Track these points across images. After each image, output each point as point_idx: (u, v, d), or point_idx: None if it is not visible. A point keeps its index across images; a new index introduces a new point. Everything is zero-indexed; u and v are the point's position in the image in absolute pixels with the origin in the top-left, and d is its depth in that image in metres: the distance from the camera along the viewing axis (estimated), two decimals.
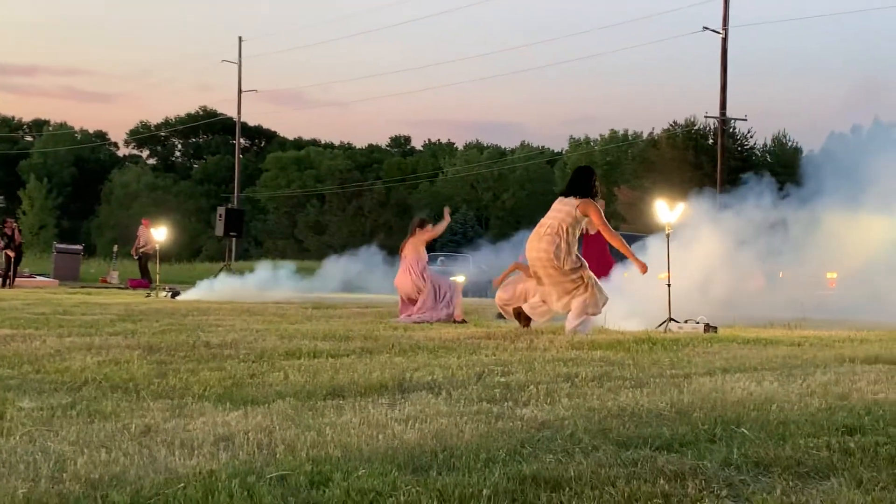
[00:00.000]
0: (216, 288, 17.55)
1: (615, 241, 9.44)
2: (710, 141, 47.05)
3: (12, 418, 4.17)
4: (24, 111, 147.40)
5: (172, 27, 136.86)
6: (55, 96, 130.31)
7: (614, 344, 7.45)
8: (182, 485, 3.02)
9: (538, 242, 9.14)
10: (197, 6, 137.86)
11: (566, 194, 9.35)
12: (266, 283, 18.72)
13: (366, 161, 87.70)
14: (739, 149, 49.97)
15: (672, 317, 9.33)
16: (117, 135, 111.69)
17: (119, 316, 10.80)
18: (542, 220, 9.33)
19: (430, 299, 11.52)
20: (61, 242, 30.84)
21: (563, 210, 9.19)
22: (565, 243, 9.06)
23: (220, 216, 24.00)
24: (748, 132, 51.30)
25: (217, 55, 62.53)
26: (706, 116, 38.97)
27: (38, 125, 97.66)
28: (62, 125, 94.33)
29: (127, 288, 22.34)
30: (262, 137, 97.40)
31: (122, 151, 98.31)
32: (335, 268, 22.23)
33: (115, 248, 25.64)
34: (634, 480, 3.10)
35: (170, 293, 16.56)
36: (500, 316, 10.68)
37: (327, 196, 65.09)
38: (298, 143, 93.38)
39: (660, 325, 9.32)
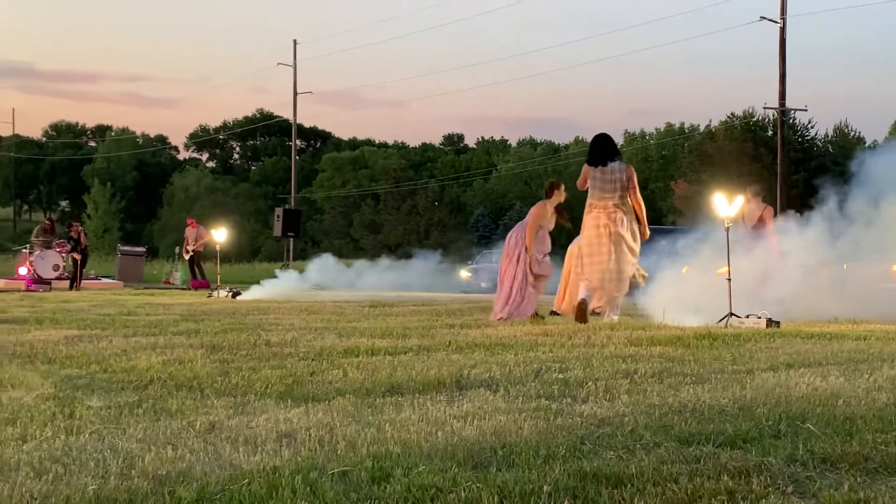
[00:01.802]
0: (279, 286, 17.78)
1: None
2: (770, 132, 46.30)
3: (81, 417, 4.27)
4: (88, 117, 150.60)
5: (230, 32, 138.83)
6: (117, 102, 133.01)
7: (673, 340, 7.37)
8: (246, 481, 3.07)
9: None
10: (253, 11, 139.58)
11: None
12: (324, 281, 18.95)
13: (420, 160, 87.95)
14: (800, 140, 49.06)
15: (733, 311, 9.21)
16: (177, 139, 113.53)
17: (182, 316, 10.97)
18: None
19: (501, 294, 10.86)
20: (125, 245, 31.40)
21: None
22: None
23: (278, 217, 24.26)
24: (808, 122, 50.40)
25: (273, 58, 63.33)
26: (765, 107, 38.39)
27: (101, 130, 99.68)
28: (124, 130, 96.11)
29: (189, 289, 22.67)
30: (317, 138, 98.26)
31: (183, 155, 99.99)
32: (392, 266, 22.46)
33: (177, 249, 26.00)
34: (697, 477, 3.08)
35: (230, 293, 16.78)
36: (555, 312, 10.67)
37: (382, 195, 65.33)
38: (353, 143, 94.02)
39: (720, 320, 9.20)
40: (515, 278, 10.48)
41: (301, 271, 21.69)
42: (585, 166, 10.07)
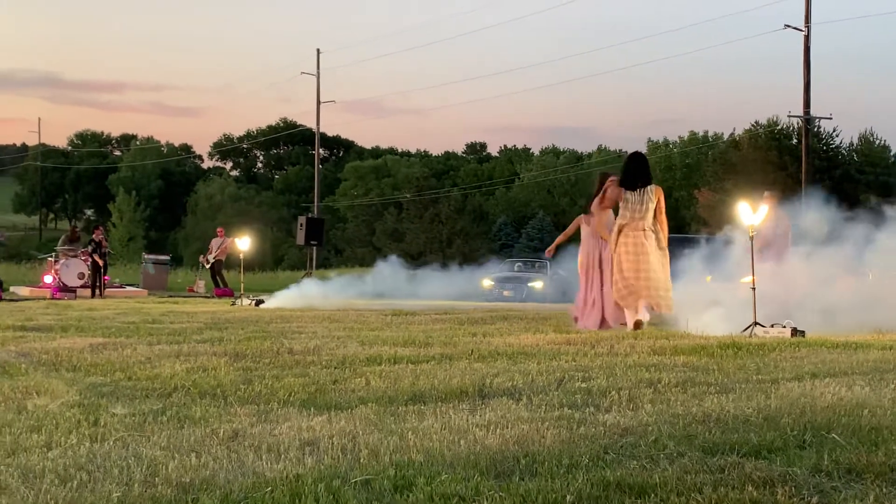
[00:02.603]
0: (304, 293, 17.83)
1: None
2: (794, 141, 46.03)
3: (106, 424, 4.30)
4: (113, 126, 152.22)
5: (254, 42, 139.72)
6: (142, 111, 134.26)
7: (697, 349, 7.33)
8: (270, 489, 3.08)
9: None
10: (277, 21, 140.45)
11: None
12: (347, 290, 18.97)
13: (442, 168, 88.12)
14: (825, 148, 48.77)
15: (757, 321, 9.15)
16: (202, 148, 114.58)
17: (206, 324, 11.02)
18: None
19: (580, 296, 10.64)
20: (149, 253, 31.61)
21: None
22: None
23: (301, 225, 24.34)
24: (833, 131, 50.11)
25: (296, 68, 63.59)
26: (789, 115, 38.10)
27: (126, 140, 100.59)
28: (149, 139, 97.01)
29: (212, 297, 22.79)
30: (340, 147, 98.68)
31: (207, 164, 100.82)
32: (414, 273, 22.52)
33: (201, 258, 26.16)
34: (722, 487, 3.06)
35: (254, 301, 16.84)
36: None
37: (404, 204, 65.47)
38: (376, 152, 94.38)
39: (745, 329, 9.14)
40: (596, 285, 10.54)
41: (324, 279, 21.73)
42: (619, 188, 10.00)
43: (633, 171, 10.02)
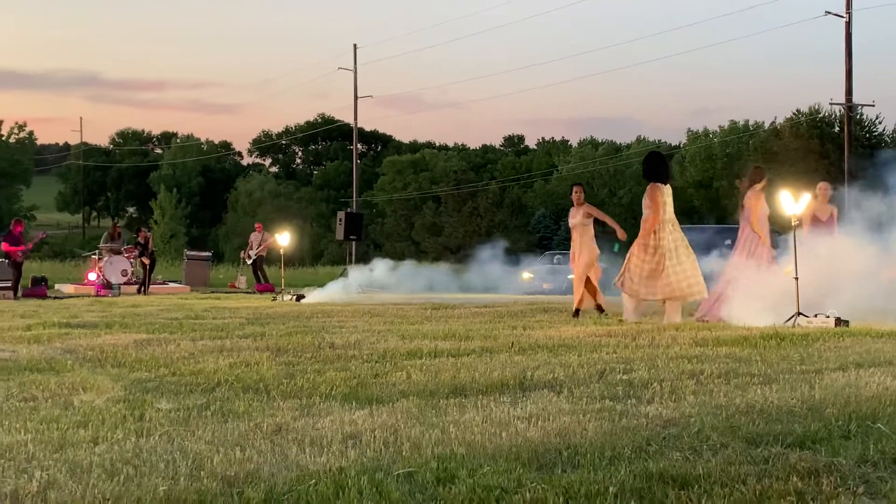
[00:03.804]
0: (348, 287, 17.95)
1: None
2: (836, 129, 45.38)
3: (151, 419, 4.36)
4: (154, 124, 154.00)
5: (291, 38, 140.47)
6: (182, 109, 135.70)
7: (740, 340, 7.27)
8: (313, 481, 3.10)
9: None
10: (314, 17, 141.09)
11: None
12: (386, 283, 19.03)
13: (480, 161, 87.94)
14: (867, 136, 48.02)
15: (801, 311, 9.04)
16: (241, 144, 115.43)
17: (248, 319, 11.12)
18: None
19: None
20: (191, 250, 31.89)
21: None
22: None
23: (340, 220, 24.41)
24: (876, 118, 49.32)
25: (333, 63, 63.47)
26: (831, 103, 37.52)
27: (167, 137, 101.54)
28: (189, 137, 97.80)
29: (254, 292, 22.96)
30: (378, 142, 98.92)
31: (246, 160, 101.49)
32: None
33: (242, 254, 26.38)
34: (766, 478, 3.03)
35: (294, 296, 16.95)
36: (600, 309, 10.85)
37: (443, 197, 65.45)
38: (413, 146, 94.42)
39: (788, 319, 9.04)
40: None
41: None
42: (658, 184, 10.17)
43: (664, 165, 10.42)
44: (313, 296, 17.33)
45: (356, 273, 19.88)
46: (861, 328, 8.38)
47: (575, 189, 11.61)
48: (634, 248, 10.23)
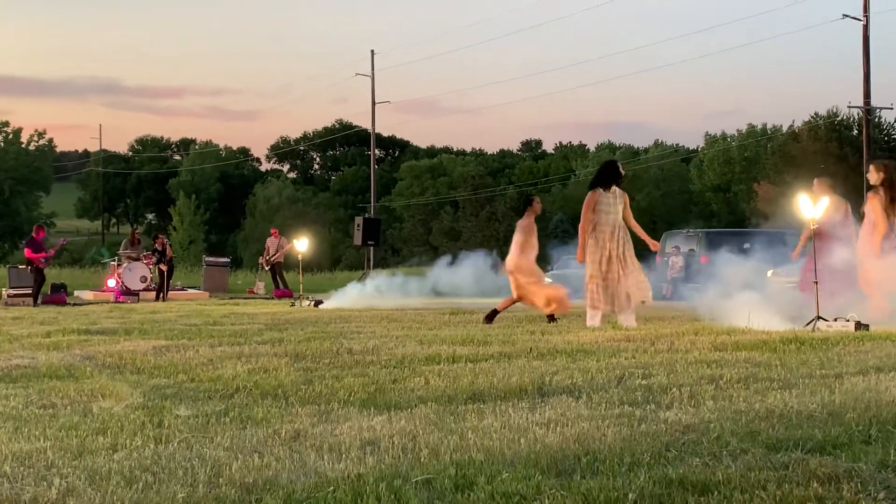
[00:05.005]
0: (366, 292, 17.96)
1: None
2: (855, 132, 45.14)
3: (170, 426, 4.37)
4: (172, 131, 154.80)
5: (309, 45, 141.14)
6: (201, 116, 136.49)
7: (759, 344, 7.23)
8: (332, 488, 3.10)
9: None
10: (331, 24, 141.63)
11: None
12: (405, 289, 19.03)
13: (498, 166, 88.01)
14: (886, 139, 47.76)
15: (820, 315, 8.98)
16: (259, 150, 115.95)
17: (266, 325, 11.15)
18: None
19: None
20: (210, 256, 32.03)
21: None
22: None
23: (358, 226, 24.46)
24: (895, 121, 49.03)
25: (351, 69, 63.85)
26: (849, 106, 37.47)
27: (185, 144, 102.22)
28: (208, 143, 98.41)
29: (272, 298, 23.03)
30: (395, 147, 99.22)
31: (264, 166, 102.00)
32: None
33: (260, 259, 26.47)
34: (786, 484, 3.01)
35: (313, 302, 17.00)
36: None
37: (460, 202, 65.56)
38: (431, 152, 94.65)
39: (807, 323, 8.99)
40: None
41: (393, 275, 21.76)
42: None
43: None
44: (332, 300, 17.37)
45: (375, 278, 19.91)
46: (881, 332, 8.32)
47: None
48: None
